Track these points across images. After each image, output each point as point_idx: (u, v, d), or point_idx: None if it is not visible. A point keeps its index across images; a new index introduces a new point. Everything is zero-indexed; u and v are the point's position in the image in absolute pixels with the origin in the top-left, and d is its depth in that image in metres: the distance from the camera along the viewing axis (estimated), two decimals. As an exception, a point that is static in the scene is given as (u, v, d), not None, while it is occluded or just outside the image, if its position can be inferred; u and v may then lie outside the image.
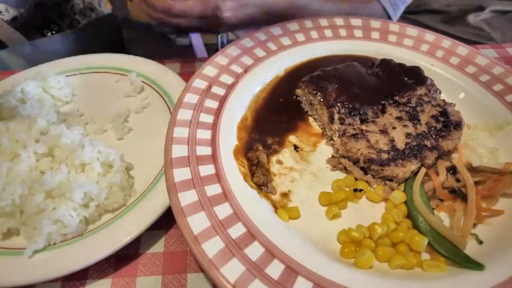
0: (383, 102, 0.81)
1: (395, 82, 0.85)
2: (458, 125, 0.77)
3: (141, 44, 1.35)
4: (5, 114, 0.83)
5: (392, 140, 0.74)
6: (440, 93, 0.85)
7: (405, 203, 0.67)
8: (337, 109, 0.79)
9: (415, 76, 0.86)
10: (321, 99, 0.80)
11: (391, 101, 0.81)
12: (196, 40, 1.20)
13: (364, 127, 0.77)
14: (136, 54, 1.33)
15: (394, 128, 0.76)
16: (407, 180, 0.71)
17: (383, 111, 0.80)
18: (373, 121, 0.78)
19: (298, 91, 0.85)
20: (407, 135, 0.75)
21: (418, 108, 0.80)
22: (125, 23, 1.36)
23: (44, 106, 0.91)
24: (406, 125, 0.77)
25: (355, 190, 0.69)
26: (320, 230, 0.65)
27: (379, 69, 0.88)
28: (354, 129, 0.76)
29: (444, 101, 0.83)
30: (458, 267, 0.59)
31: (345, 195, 0.68)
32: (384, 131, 0.76)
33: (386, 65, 0.88)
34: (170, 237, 0.71)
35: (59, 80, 0.94)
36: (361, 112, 0.79)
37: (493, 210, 0.67)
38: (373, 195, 0.69)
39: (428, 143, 0.74)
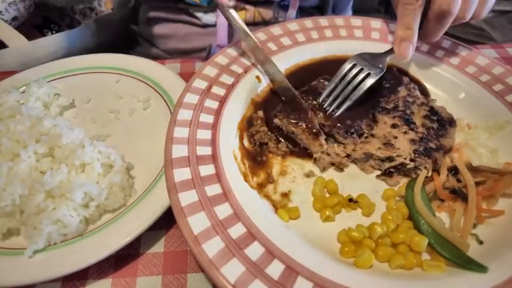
0: (371, 112, 0.79)
1: (375, 88, 0.82)
2: (452, 122, 0.77)
3: (162, 24, 1.33)
4: (5, 114, 0.83)
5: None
6: (416, 89, 0.85)
7: (406, 204, 0.67)
8: (328, 134, 0.75)
9: (391, 77, 0.85)
10: (305, 128, 0.74)
11: (379, 109, 0.79)
12: (222, 25, 1.17)
13: (363, 144, 0.74)
14: (154, 37, 1.33)
15: (395, 137, 0.74)
16: (408, 182, 0.71)
17: (375, 121, 0.78)
18: (372, 135, 0.75)
19: (277, 121, 0.78)
20: (412, 141, 0.73)
21: (408, 111, 0.79)
22: None
23: (48, 107, 0.91)
24: (405, 131, 0.75)
25: (350, 200, 0.68)
26: (320, 230, 0.65)
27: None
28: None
29: (425, 97, 0.83)
30: (459, 268, 0.59)
31: (338, 200, 0.68)
32: (388, 144, 0.73)
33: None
34: (170, 237, 0.71)
35: (55, 86, 0.94)
36: (356, 128, 0.75)
37: (493, 211, 0.67)
38: (367, 211, 0.68)
39: (433, 145, 0.73)
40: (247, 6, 1.21)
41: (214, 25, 1.24)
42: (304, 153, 0.76)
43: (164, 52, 1.36)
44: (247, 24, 1.26)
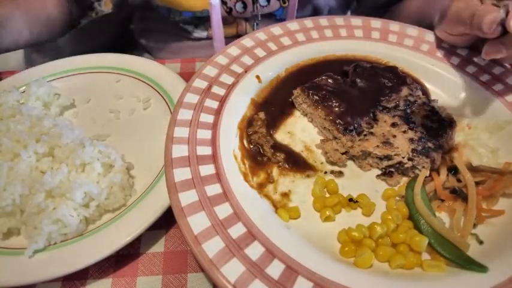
0: (372, 110, 0.79)
1: (377, 87, 0.83)
2: (452, 122, 0.77)
3: (154, 36, 1.32)
4: (5, 114, 0.83)
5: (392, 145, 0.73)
6: (419, 88, 0.85)
7: (406, 204, 0.67)
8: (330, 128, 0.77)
9: (394, 77, 0.86)
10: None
11: (380, 108, 0.80)
12: (218, 32, 1.16)
13: (361, 141, 0.74)
14: (147, 47, 1.32)
15: (394, 136, 0.74)
16: (408, 182, 0.71)
17: (375, 120, 0.78)
18: (371, 133, 0.76)
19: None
20: (411, 140, 0.73)
21: (409, 110, 0.79)
22: (142, 10, 1.32)
23: (48, 107, 0.91)
24: (405, 130, 0.75)
25: (350, 200, 0.68)
26: (320, 229, 0.65)
27: (355, 77, 0.86)
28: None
29: (426, 97, 0.83)
30: (459, 268, 0.59)
31: (338, 200, 0.67)
32: (386, 142, 0.73)
33: (362, 70, 0.87)
34: (170, 237, 0.71)
35: (55, 86, 0.94)
36: (355, 125, 0.76)
37: (494, 210, 0.67)
38: (367, 211, 0.68)
39: (431, 145, 0.73)
40: (239, 21, 1.21)
41: (205, 38, 1.24)
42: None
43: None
44: (239, 36, 1.25)
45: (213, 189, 0.63)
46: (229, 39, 1.18)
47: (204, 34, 1.24)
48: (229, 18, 1.18)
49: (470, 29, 0.76)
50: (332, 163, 0.75)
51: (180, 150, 0.67)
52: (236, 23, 1.21)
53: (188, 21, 1.22)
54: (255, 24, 1.21)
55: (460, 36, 0.86)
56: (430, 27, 0.99)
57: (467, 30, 0.78)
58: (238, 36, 1.21)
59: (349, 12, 1.42)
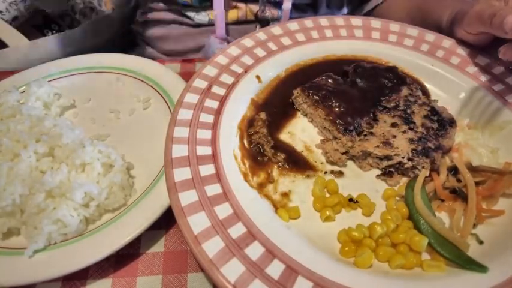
0: (372, 110, 0.79)
1: (377, 87, 0.84)
2: (452, 122, 0.77)
3: (156, 27, 1.34)
4: (5, 114, 0.83)
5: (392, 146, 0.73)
6: (419, 89, 0.86)
7: (406, 204, 0.67)
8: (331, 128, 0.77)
9: (394, 77, 0.86)
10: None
11: (380, 108, 0.80)
12: (220, 17, 1.15)
13: (361, 142, 0.74)
14: (150, 39, 1.34)
15: (394, 136, 0.74)
16: (408, 182, 0.71)
17: (375, 120, 0.78)
18: (371, 133, 0.76)
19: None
20: (411, 141, 0.73)
21: (409, 111, 0.79)
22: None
23: (48, 107, 0.91)
24: (405, 130, 0.75)
25: (350, 200, 0.68)
26: (320, 229, 0.65)
27: (355, 77, 0.86)
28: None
29: (426, 97, 0.83)
30: (459, 268, 0.59)
31: (338, 200, 0.67)
32: (386, 142, 0.73)
33: (362, 70, 0.87)
34: (170, 237, 0.71)
35: (55, 86, 0.94)
36: (355, 125, 0.76)
37: (494, 210, 0.67)
38: (367, 211, 0.68)
39: (431, 145, 0.73)
40: (239, 4, 1.21)
41: (206, 24, 1.25)
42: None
43: (161, 53, 1.37)
44: (240, 22, 1.25)
45: (213, 189, 0.63)
46: (230, 25, 1.21)
47: (205, 19, 1.24)
48: (229, 2, 1.19)
49: (490, 28, 0.77)
50: (332, 163, 0.75)
51: (180, 150, 0.67)
52: (237, 7, 1.21)
53: (189, 8, 1.23)
54: (262, 10, 1.22)
55: (479, 35, 0.87)
56: (424, 23, 1.01)
57: (487, 29, 0.79)
58: (239, 22, 1.23)
59: (345, 9, 1.42)
